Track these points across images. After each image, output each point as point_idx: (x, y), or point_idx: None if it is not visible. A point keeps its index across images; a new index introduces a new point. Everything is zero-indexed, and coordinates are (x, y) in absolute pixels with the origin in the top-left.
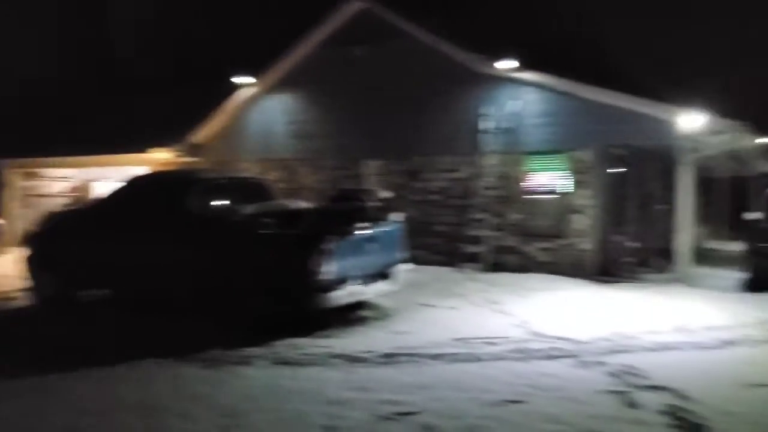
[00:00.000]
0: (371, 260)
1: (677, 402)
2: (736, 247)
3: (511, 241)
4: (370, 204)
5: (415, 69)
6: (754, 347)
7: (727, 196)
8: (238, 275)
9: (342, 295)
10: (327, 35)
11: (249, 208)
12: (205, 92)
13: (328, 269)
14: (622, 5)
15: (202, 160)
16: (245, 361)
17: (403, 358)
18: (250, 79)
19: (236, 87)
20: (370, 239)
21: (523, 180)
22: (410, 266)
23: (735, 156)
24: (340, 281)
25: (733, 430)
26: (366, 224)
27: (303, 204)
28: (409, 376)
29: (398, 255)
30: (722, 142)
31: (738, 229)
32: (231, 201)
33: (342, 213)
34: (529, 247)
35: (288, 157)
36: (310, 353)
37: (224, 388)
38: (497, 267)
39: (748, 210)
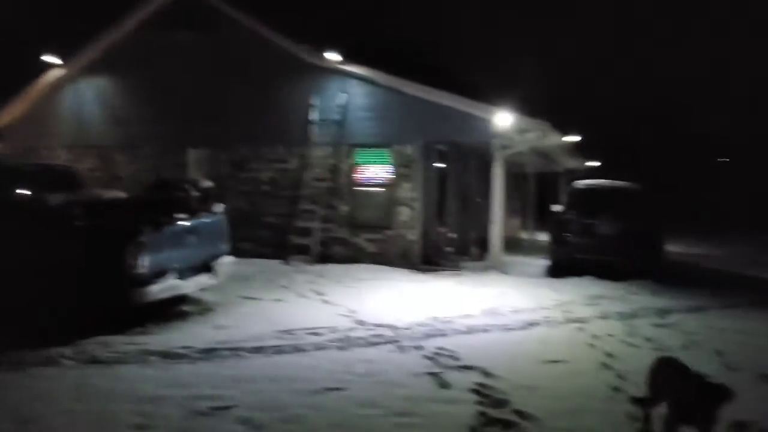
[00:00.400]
0: (192, 253)
1: (484, 380)
2: (544, 237)
3: (340, 233)
4: (191, 194)
5: (244, 58)
6: (553, 327)
7: (536, 190)
8: (44, 269)
9: (160, 290)
10: (147, 17)
11: (56, 198)
12: (9, 74)
13: (144, 263)
14: (445, 10)
15: (4, 146)
16: (50, 362)
17: (223, 353)
18: (59, 61)
19: (44, 68)
20: (190, 231)
21: (351, 172)
22: (233, 259)
23: (542, 153)
24: (157, 275)
25: (530, 402)
26: (186, 215)
27: (118, 194)
28: (228, 370)
29: (221, 247)
30: (530, 139)
31: (545, 220)
32: (35, 190)
33: (159, 203)
34: (357, 238)
35: (104, 145)
36: (124, 351)
37: (21, 391)
38: (326, 258)
39: (555, 203)
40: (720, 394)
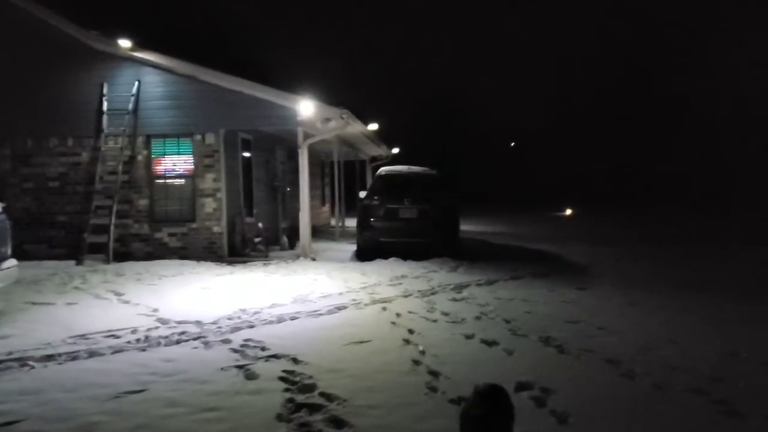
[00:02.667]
0: None
1: (292, 367)
2: (352, 223)
3: (139, 228)
4: None
5: (23, 42)
6: (359, 309)
7: (344, 178)
8: None
9: None
10: None
11: None
12: None
13: None
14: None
15: None
16: None
17: (7, 364)
18: None
19: None
20: None
21: (149, 164)
22: (15, 262)
23: (348, 142)
24: None
25: (336, 384)
26: None
27: None
28: (15, 382)
29: (2, 250)
30: (333, 128)
31: (354, 207)
32: None
33: None
34: (159, 233)
35: None
36: None
37: None
38: (125, 256)
39: (362, 190)
40: None
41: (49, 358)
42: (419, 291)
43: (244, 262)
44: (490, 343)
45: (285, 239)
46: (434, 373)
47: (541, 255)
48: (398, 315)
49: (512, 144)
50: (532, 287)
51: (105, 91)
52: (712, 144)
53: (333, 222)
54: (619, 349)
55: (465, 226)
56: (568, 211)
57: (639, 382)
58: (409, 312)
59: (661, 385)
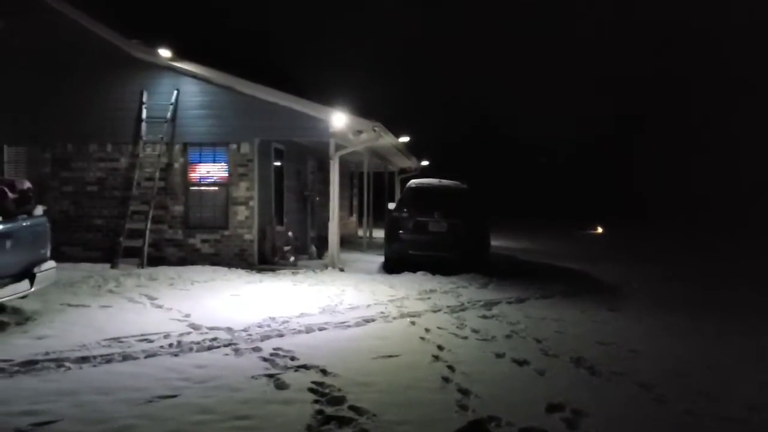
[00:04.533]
0: (8, 259)
1: (321, 379)
2: (380, 234)
3: (173, 234)
4: (6, 196)
5: (67, 49)
6: (388, 323)
7: (373, 189)
8: None
9: None
10: None
11: None
12: None
13: None
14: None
15: None
16: None
17: (45, 365)
18: None
19: None
20: (5, 235)
21: (186, 172)
22: (55, 264)
23: (378, 153)
24: None
25: (366, 398)
26: (0, 219)
27: None
28: (51, 383)
29: (42, 252)
30: (364, 139)
31: (382, 219)
32: None
33: None
34: (192, 239)
35: None
36: None
37: None
38: (159, 261)
39: (390, 202)
40: None
41: (84, 359)
42: (448, 306)
43: (274, 270)
44: (521, 363)
45: (313, 248)
46: (465, 392)
47: (571, 273)
48: (427, 330)
49: (542, 160)
50: (563, 307)
51: (144, 99)
52: (748, 163)
53: (360, 232)
54: (652, 372)
55: (494, 242)
56: (598, 229)
57: (671, 408)
58: (439, 327)
59: (693, 411)
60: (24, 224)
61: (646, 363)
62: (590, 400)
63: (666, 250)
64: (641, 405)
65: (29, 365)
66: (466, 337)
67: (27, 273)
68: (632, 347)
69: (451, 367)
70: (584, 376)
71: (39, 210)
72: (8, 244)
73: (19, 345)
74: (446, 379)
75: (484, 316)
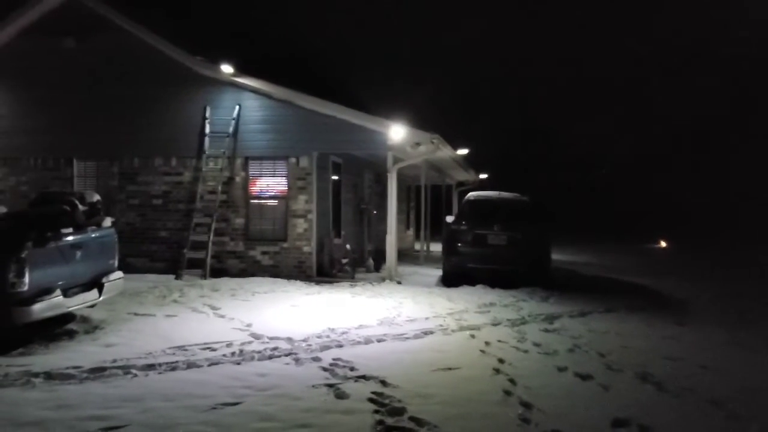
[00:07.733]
0: (78, 269)
1: (381, 389)
2: (437, 247)
3: (234, 246)
4: (77, 208)
5: (134, 67)
6: (447, 335)
7: (430, 202)
8: None
9: (43, 308)
10: (30, 23)
11: None
12: None
13: (26, 280)
14: (337, 25)
15: None
16: None
17: (113, 372)
18: None
19: None
20: (76, 246)
21: (247, 185)
22: (123, 274)
23: (435, 166)
24: (41, 293)
25: (426, 409)
26: (71, 230)
27: None
28: (119, 389)
29: (110, 263)
30: (422, 152)
31: (439, 231)
32: None
33: (43, 218)
34: (252, 251)
35: None
36: (4, 373)
37: None
38: (220, 272)
39: (448, 215)
40: None
41: (150, 367)
42: (509, 320)
43: (331, 282)
44: (584, 377)
45: (371, 261)
46: (527, 405)
47: (635, 288)
48: (487, 343)
49: (603, 171)
50: (628, 321)
51: (207, 114)
52: None
53: (417, 246)
54: (723, 389)
55: (555, 255)
56: (662, 243)
57: (744, 425)
58: (499, 341)
59: None
60: (93, 235)
61: (717, 379)
62: (658, 416)
63: (722, 264)
64: (713, 422)
65: (97, 372)
66: (527, 351)
67: (96, 283)
68: (702, 363)
69: (512, 381)
70: (651, 392)
71: (107, 222)
72: (78, 254)
73: (88, 352)
74: (508, 393)
75: (546, 330)
